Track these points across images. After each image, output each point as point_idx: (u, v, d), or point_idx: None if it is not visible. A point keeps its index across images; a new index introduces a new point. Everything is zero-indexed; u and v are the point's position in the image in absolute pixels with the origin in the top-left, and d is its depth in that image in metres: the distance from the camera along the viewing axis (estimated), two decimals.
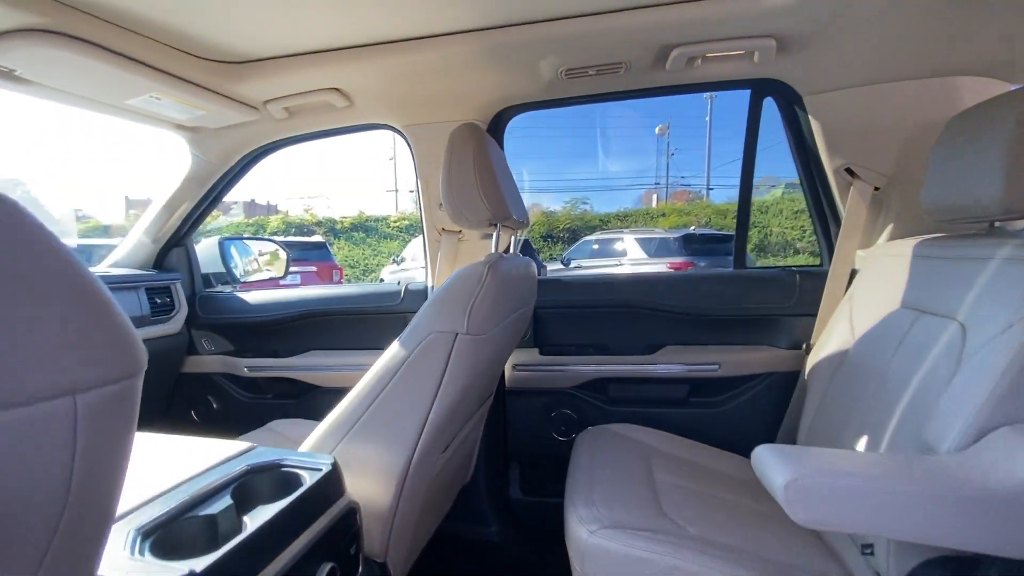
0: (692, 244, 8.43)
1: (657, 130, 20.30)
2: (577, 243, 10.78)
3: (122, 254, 1.78)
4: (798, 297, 1.47)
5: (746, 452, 0.85)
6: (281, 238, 12.07)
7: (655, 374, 1.52)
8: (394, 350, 0.91)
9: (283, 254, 2.29)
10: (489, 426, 1.50)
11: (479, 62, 1.22)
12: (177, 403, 1.87)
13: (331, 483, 0.75)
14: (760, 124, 1.50)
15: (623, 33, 1.10)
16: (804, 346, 1.43)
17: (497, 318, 0.95)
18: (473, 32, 1.12)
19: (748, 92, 1.43)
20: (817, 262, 1.59)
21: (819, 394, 1.20)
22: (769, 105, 1.44)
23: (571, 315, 1.60)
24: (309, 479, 0.72)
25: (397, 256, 10.34)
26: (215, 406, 1.86)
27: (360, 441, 0.89)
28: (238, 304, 1.84)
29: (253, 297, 1.85)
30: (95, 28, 0.99)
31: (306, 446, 0.91)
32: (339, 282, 9.23)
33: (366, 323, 1.72)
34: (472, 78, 1.30)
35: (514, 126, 1.60)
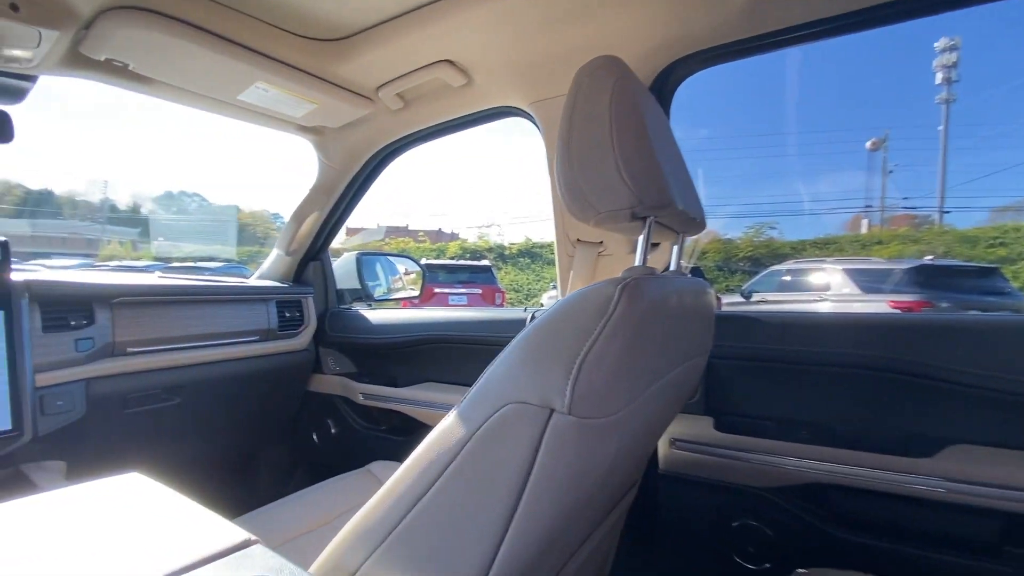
0: (930, 278, 6.52)
1: (869, 144, 16.92)
2: (762, 273, 9.30)
3: (266, 267, 1.79)
4: None
5: None
6: (453, 261, 13.02)
7: (928, 492, 0.89)
8: (449, 426, 0.55)
9: (420, 273, 2.16)
10: (629, 532, 1.03)
11: None
12: (302, 422, 1.81)
13: None
14: None
15: None
16: None
17: (634, 388, 0.53)
18: None
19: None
20: None
21: None
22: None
23: (766, 372, 1.06)
24: None
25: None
26: (333, 430, 1.74)
27: (394, 565, 0.55)
28: (362, 323, 1.71)
29: (378, 316, 1.70)
30: (185, 4, 0.87)
31: (321, 566, 0.59)
32: (500, 306, 9.43)
33: (487, 355, 1.41)
34: (620, 19, 0.92)
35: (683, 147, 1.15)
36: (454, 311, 1.59)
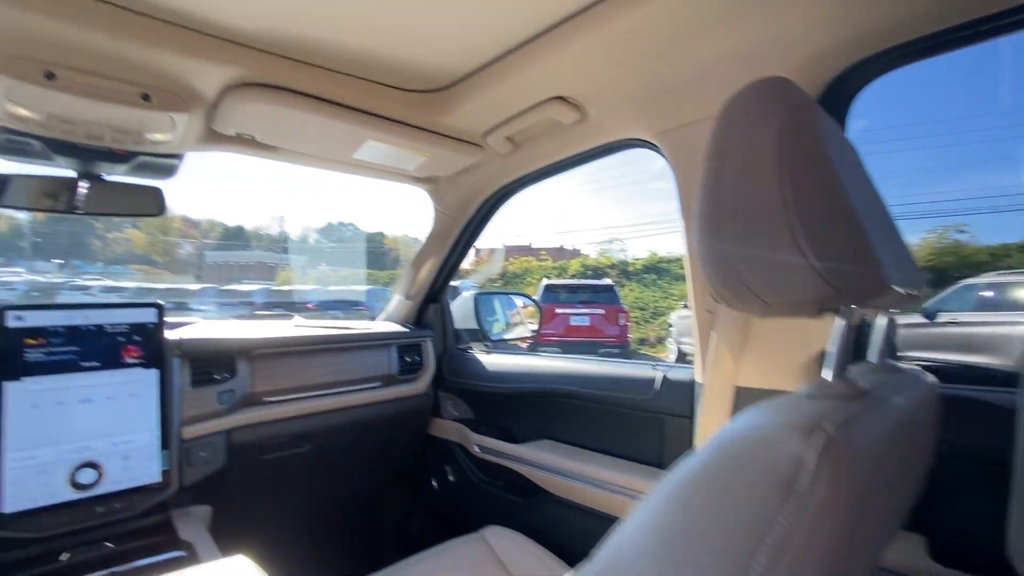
0: None
1: None
2: (951, 288, 7.62)
3: (390, 310, 1.82)
4: None
5: None
6: (574, 280, 12.85)
7: None
8: None
9: (535, 310, 2.06)
10: None
11: None
12: (423, 467, 1.79)
13: None
14: None
15: None
16: None
17: None
18: None
19: None
20: None
21: None
22: None
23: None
24: None
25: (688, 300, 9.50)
26: (451, 478, 1.69)
27: None
28: (478, 368, 1.65)
29: (496, 362, 1.63)
30: (295, 74, 0.88)
31: None
32: (624, 326, 9.02)
33: (611, 416, 1.24)
34: (771, 23, 0.71)
35: None
36: (575, 362, 1.45)
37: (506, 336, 1.95)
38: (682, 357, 8.37)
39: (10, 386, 0.96)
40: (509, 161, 1.22)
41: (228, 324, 1.40)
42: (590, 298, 9.27)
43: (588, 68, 0.85)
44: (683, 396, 1.08)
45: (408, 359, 1.64)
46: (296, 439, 1.39)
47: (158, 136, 0.96)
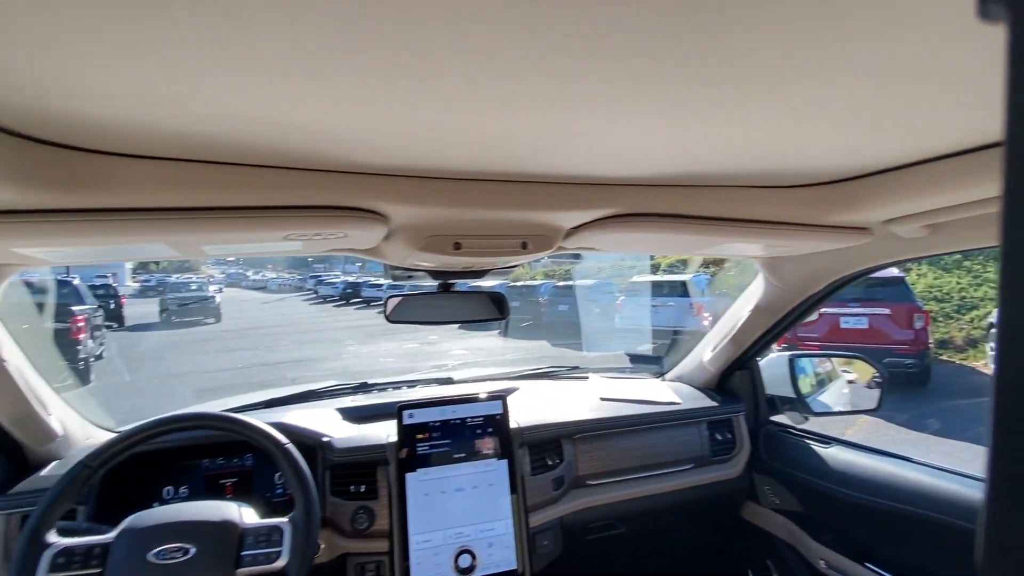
0: None
1: None
2: None
3: (684, 371, 1.67)
4: None
5: None
6: None
7: None
8: None
9: (877, 374, 1.63)
10: None
11: None
12: (733, 552, 1.60)
13: None
14: None
15: None
16: None
17: None
18: None
19: None
20: None
21: None
22: None
23: None
24: None
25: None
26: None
27: None
28: (805, 455, 1.37)
29: (826, 452, 1.33)
30: (664, 200, 0.78)
31: None
32: (921, 330, 7.03)
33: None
34: None
35: None
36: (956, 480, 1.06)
37: (833, 412, 1.61)
38: None
39: (410, 477, 1.14)
40: (912, 242, 0.92)
41: (543, 398, 1.45)
42: (866, 294, 7.44)
43: None
44: None
45: (719, 437, 1.47)
46: (615, 521, 1.36)
47: (520, 261, 1.00)
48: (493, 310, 1.19)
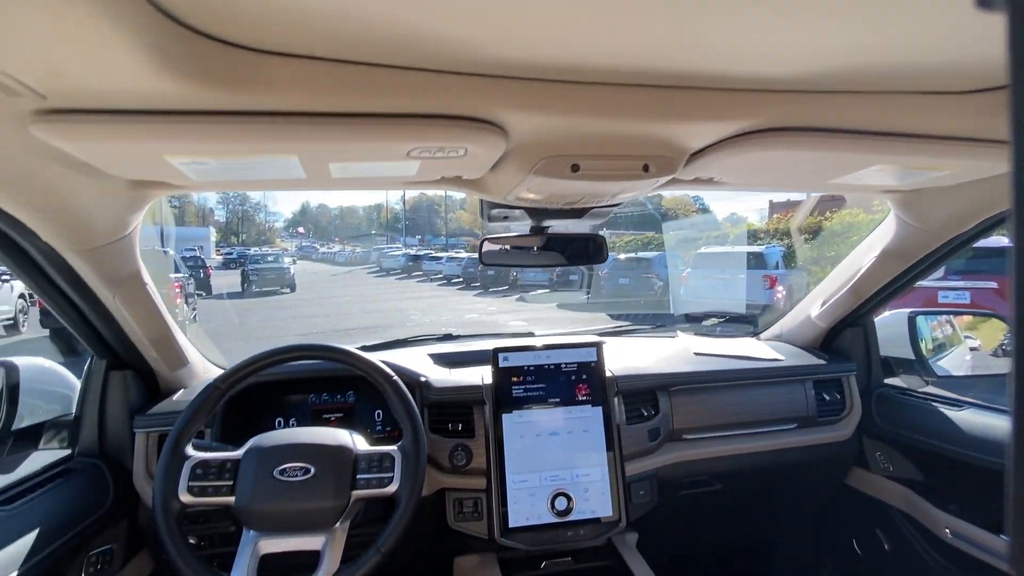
0: None
1: None
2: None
3: (789, 327, 1.56)
4: None
5: None
6: None
7: None
8: None
9: (1002, 341, 1.45)
10: None
11: None
12: (832, 520, 1.50)
13: None
14: None
15: None
16: None
17: None
18: None
19: None
20: None
21: None
22: None
23: None
24: None
25: None
26: (886, 546, 1.35)
27: None
28: (930, 418, 1.24)
29: (957, 415, 1.20)
30: (807, 112, 0.70)
31: None
32: None
33: None
34: None
35: None
36: None
37: (952, 373, 1.45)
38: None
39: (506, 418, 1.14)
40: None
41: (634, 352, 1.40)
42: (969, 266, 6.68)
43: None
44: None
45: (827, 397, 1.36)
46: (711, 478, 1.31)
47: (627, 195, 0.94)
48: (592, 252, 1.14)
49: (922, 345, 1.47)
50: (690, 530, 1.44)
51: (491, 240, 1.16)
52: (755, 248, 9.67)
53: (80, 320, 0.96)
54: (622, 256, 12.74)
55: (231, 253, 30.02)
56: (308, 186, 0.82)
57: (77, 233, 0.76)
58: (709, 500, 1.34)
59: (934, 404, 1.27)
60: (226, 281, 15.98)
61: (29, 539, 0.82)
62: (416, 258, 22.57)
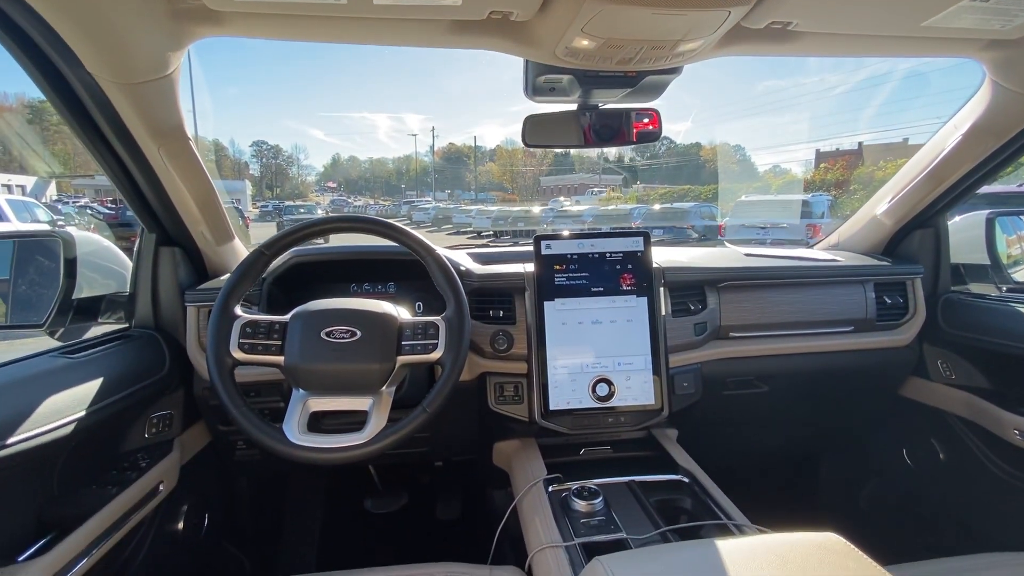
0: None
1: None
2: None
3: (848, 234, 1.46)
4: None
5: None
6: None
7: None
8: None
9: None
10: None
11: None
12: (886, 434, 1.45)
13: None
14: None
15: None
16: None
17: None
18: None
19: None
20: None
21: None
22: None
23: None
24: None
25: None
26: (941, 456, 1.30)
27: None
28: (997, 319, 1.16)
29: None
30: None
31: None
32: None
33: None
34: None
35: None
36: None
37: None
38: None
39: (547, 305, 1.11)
40: None
41: (682, 252, 1.34)
42: None
43: None
44: None
45: (888, 300, 1.28)
46: (757, 379, 1.27)
47: (689, 46, 0.85)
48: (643, 129, 1.07)
49: (1000, 253, 1.36)
50: (732, 435, 1.42)
51: (534, 118, 1.10)
52: (799, 196, 9.19)
53: (129, 185, 0.97)
54: (656, 207, 12.39)
55: (267, 206, 30.70)
56: (347, 25, 0.76)
57: (119, 62, 0.74)
58: (754, 403, 1.31)
59: (1011, 304, 1.17)
60: (263, 231, 16.41)
61: (93, 386, 0.85)
62: (445, 211, 22.61)
